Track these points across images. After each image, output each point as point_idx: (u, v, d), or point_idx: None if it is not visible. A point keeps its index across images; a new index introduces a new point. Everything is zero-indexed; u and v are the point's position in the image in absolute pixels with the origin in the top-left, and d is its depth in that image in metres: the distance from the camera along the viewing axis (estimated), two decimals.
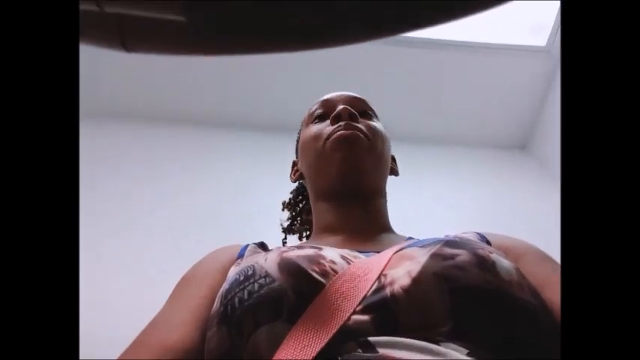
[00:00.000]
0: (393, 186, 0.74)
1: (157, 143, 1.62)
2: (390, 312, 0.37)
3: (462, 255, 0.41)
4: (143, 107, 1.73)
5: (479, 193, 1.56)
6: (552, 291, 0.43)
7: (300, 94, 0.74)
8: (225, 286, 0.44)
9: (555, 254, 0.52)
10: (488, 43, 1.76)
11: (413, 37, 1.73)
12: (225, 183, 1.45)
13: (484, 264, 0.40)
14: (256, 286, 0.40)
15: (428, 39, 1.74)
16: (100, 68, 1.64)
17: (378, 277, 0.40)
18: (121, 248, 1.13)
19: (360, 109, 0.67)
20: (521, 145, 1.91)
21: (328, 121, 0.64)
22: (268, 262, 0.43)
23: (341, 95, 0.70)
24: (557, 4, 1.69)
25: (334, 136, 0.61)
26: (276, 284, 0.39)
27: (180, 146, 1.62)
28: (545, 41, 1.76)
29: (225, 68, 1.71)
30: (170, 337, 0.41)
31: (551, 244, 0.61)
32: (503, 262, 0.42)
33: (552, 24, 1.73)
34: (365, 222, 0.62)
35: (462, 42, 1.75)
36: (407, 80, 1.78)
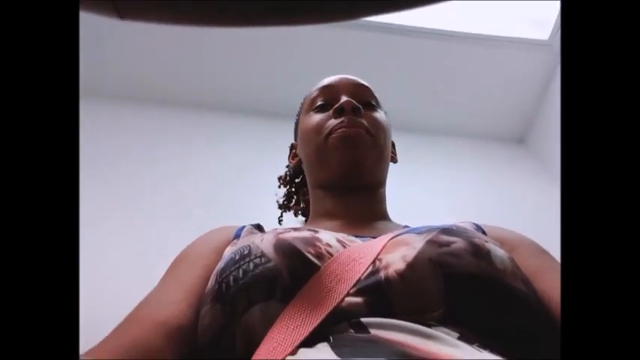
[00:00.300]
0: (390, 175, 0.73)
1: (160, 125, 1.61)
2: (384, 295, 0.37)
3: (458, 242, 0.41)
4: (146, 89, 1.72)
5: (476, 185, 1.57)
6: (544, 282, 0.44)
7: (301, 82, 0.74)
8: (220, 264, 0.44)
9: (551, 247, 0.52)
10: (489, 35, 1.75)
11: (414, 27, 1.72)
12: (228, 166, 1.45)
13: (479, 252, 0.41)
14: (251, 265, 0.40)
15: (429, 29, 1.72)
16: (103, 48, 1.63)
17: (373, 262, 0.41)
18: (121, 229, 1.13)
19: (362, 98, 0.65)
20: (520, 138, 1.91)
21: (330, 112, 0.62)
22: (264, 243, 0.43)
23: (342, 81, 0.67)
24: None
25: (336, 133, 0.59)
26: (271, 264, 0.40)
27: (183, 129, 1.62)
28: (548, 35, 1.75)
29: (230, 53, 1.69)
30: (162, 313, 0.41)
31: (547, 238, 0.61)
32: (498, 251, 0.42)
33: (555, 18, 1.72)
34: (363, 210, 0.62)
35: (462, 33, 1.74)
36: (407, 70, 1.77)
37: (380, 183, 0.66)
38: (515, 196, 1.53)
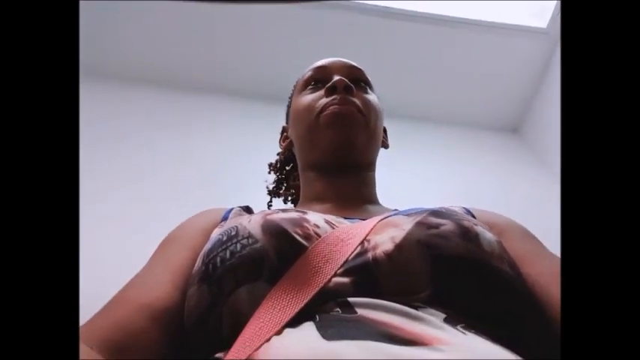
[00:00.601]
0: (381, 161, 0.74)
1: (159, 108, 1.60)
2: (372, 275, 0.37)
3: (447, 225, 0.42)
4: (147, 71, 1.70)
5: (468, 174, 1.58)
6: (530, 266, 0.44)
7: (301, 66, 0.73)
8: (207, 245, 0.44)
9: (542, 237, 0.53)
10: (486, 22, 1.72)
11: (410, 12, 1.69)
12: (227, 150, 1.45)
13: (467, 234, 0.41)
14: (239, 246, 0.40)
15: (425, 14, 1.70)
16: (103, 29, 1.60)
17: (361, 242, 0.41)
18: (118, 211, 1.13)
19: (355, 79, 0.65)
20: (513, 128, 1.92)
21: (322, 92, 0.62)
22: (252, 224, 0.43)
23: (336, 62, 0.68)
24: None
25: (328, 110, 0.59)
26: (258, 245, 0.40)
27: (183, 112, 1.61)
28: (546, 23, 1.74)
29: (231, 37, 1.67)
30: (148, 294, 0.41)
31: (539, 226, 0.62)
32: (486, 234, 0.42)
33: (554, 7, 1.71)
34: (353, 192, 0.62)
35: (458, 18, 1.72)
36: (401, 55, 1.75)
37: (370, 165, 0.66)
38: (508, 185, 1.55)
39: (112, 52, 1.66)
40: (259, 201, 0.79)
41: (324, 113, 0.60)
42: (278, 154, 0.82)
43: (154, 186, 1.24)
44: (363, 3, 1.69)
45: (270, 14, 1.66)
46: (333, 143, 0.59)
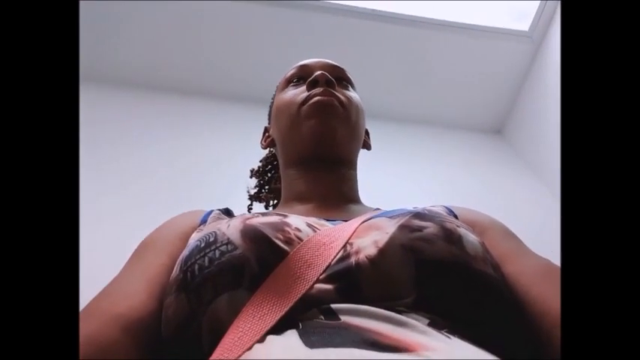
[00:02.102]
0: (365, 162, 0.73)
1: (149, 111, 1.61)
2: (355, 281, 0.37)
3: (430, 227, 0.41)
4: (138, 75, 1.70)
5: (452, 175, 1.59)
6: (512, 265, 0.44)
7: (284, 70, 0.74)
8: (185, 252, 0.43)
9: (524, 236, 0.54)
10: (469, 24, 1.75)
11: (394, 14, 1.70)
12: (216, 152, 1.45)
13: (451, 237, 0.40)
14: (217, 253, 0.39)
15: (409, 16, 1.71)
16: (92, 33, 1.59)
17: (344, 246, 0.40)
18: (109, 213, 1.12)
19: (337, 77, 0.66)
20: (497, 129, 1.94)
21: (304, 87, 0.63)
22: (231, 229, 0.41)
23: (319, 61, 0.68)
24: None
25: (310, 101, 0.59)
26: (237, 252, 0.38)
27: (173, 115, 1.61)
28: (528, 27, 1.77)
29: (221, 41, 1.68)
30: (121, 304, 0.39)
31: (521, 227, 0.63)
32: (470, 237, 0.42)
33: (536, 10, 1.74)
34: (334, 191, 0.61)
35: (442, 21, 1.73)
36: (385, 57, 1.76)
37: (351, 162, 0.66)
38: (491, 185, 1.56)
39: (99, 54, 1.65)
40: (246, 200, 0.79)
41: (306, 105, 0.60)
42: (261, 161, 0.82)
43: (145, 188, 1.23)
44: (349, 5, 1.69)
45: (260, 20, 1.65)
46: (315, 133, 0.59)
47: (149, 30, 1.64)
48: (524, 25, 1.77)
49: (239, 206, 0.80)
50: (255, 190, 0.80)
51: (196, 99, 1.70)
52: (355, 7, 1.69)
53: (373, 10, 1.70)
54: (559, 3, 1.69)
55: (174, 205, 1.12)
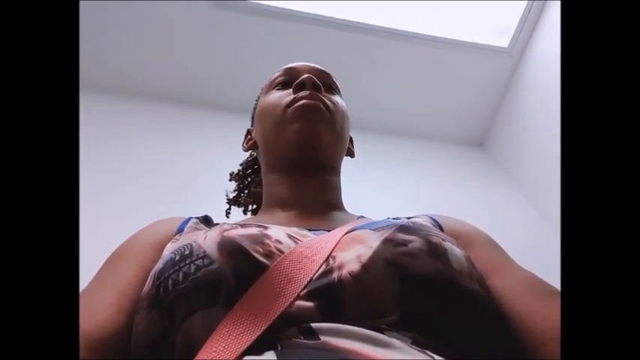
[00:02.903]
0: (347, 173, 0.72)
1: (141, 118, 1.61)
2: (336, 299, 0.35)
3: (415, 242, 0.40)
4: (133, 82, 1.70)
5: (434, 187, 1.59)
6: (498, 278, 0.44)
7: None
8: (158, 265, 0.40)
9: (506, 250, 0.53)
10: (451, 39, 1.78)
11: (376, 26, 1.72)
12: (205, 159, 1.45)
13: (436, 252, 0.39)
14: (192, 267, 0.37)
15: (391, 29, 1.74)
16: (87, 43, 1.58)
17: (327, 259, 0.38)
18: (95, 219, 1.09)
19: (324, 81, 0.65)
20: (479, 142, 1.97)
21: (290, 90, 0.62)
22: (207, 241, 0.39)
23: (306, 65, 0.67)
24: (522, 8, 1.74)
25: (296, 104, 0.58)
26: (214, 266, 0.36)
27: (165, 123, 1.62)
28: (508, 43, 1.81)
29: (207, 50, 1.69)
30: (86, 321, 0.36)
31: (502, 240, 0.62)
32: (455, 251, 0.41)
33: (515, 26, 1.78)
34: (317, 197, 0.59)
35: (424, 35, 1.76)
36: (367, 69, 1.77)
37: (335, 168, 0.65)
38: (474, 197, 1.57)
39: (89, 61, 1.63)
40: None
41: (292, 107, 0.59)
42: (241, 165, 0.80)
43: (136, 192, 1.23)
44: (330, 17, 1.70)
45: (250, 30, 1.66)
46: (300, 136, 0.57)
47: (140, 38, 1.64)
48: (505, 40, 1.82)
49: (233, 212, 0.78)
50: (235, 194, 0.78)
51: (191, 107, 1.71)
52: (339, 19, 1.71)
53: (357, 22, 1.72)
54: (539, 19, 1.74)
55: (166, 210, 1.11)
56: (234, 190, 0.78)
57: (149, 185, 1.28)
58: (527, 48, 1.78)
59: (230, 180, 0.79)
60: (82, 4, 1.46)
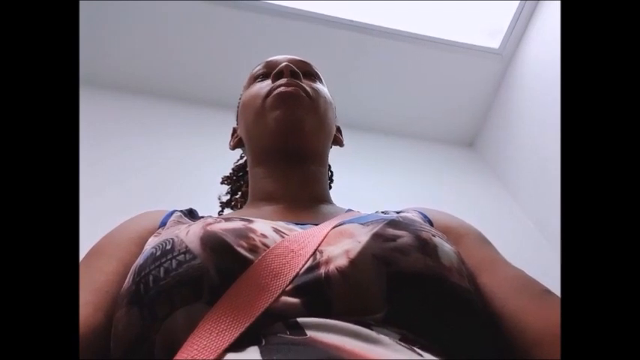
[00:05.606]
0: (334, 170, 0.71)
1: (134, 114, 1.59)
2: (323, 295, 0.34)
3: (405, 237, 0.39)
4: (133, 80, 1.68)
5: (423, 186, 1.59)
6: (488, 275, 0.43)
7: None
8: (139, 260, 0.39)
9: (500, 251, 0.53)
10: (442, 39, 1.78)
11: (366, 24, 1.71)
12: (196, 155, 1.44)
13: (425, 247, 0.39)
14: (174, 263, 0.35)
15: (382, 27, 1.73)
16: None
17: (314, 253, 0.37)
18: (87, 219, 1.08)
19: (303, 69, 0.64)
20: (469, 142, 1.97)
21: (269, 80, 0.61)
22: (190, 236, 0.38)
23: (285, 56, 0.67)
24: (513, 9, 1.75)
25: (275, 92, 0.57)
26: (196, 262, 0.35)
27: (158, 119, 1.60)
28: (499, 44, 1.82)
29: (202, 47, 1.67)
30: None
31: (494, 240, 0.62)
32: (445, 246, 0.40)
33: (506, 28, 1.79)
34: (304, 189, 0.58)
35: (416, 34, 1.76)
36: (357, 68, 1.76)
37: (321, 157, 0.63)
38: (463, 197, 1.57)
39: (90, 58, 1.62)
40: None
41: (270, 96, 0.58)
42: (232, 169, 0.79)
43: (133, 190, 1.21)
44: (321, 15, 1.69)
45: (244, 29, 1.64)
46: (280, 124, 0.56)
47: (140, 35, 1.63)
48: (496, 42, 1.82)
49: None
50: (227, 198, 0.77)
51: (190, 104, 1.70)
52: (329, 16, 1.70)
53: (350, 20, 1.71)
54: (530, 21, 1.74)
55: (165, 206, 1.09)
56: (227, 193, 0.77)
57: (149, 181, 1.27)
58: (518, 50, 1.79)
59: (222, 183, 0.78)
60: (81, 2, 1.44)
